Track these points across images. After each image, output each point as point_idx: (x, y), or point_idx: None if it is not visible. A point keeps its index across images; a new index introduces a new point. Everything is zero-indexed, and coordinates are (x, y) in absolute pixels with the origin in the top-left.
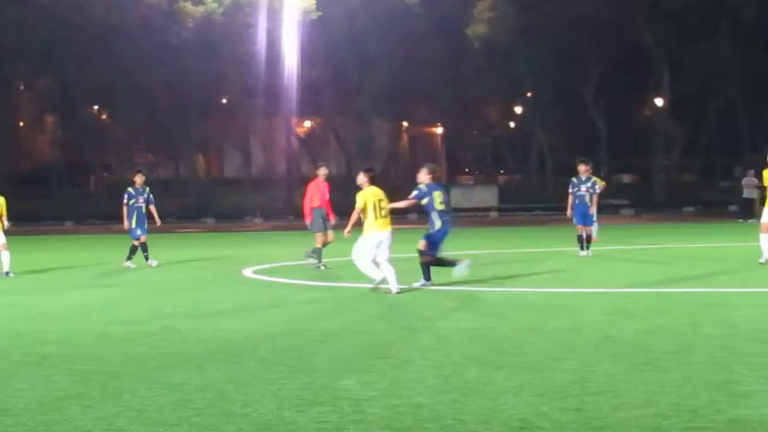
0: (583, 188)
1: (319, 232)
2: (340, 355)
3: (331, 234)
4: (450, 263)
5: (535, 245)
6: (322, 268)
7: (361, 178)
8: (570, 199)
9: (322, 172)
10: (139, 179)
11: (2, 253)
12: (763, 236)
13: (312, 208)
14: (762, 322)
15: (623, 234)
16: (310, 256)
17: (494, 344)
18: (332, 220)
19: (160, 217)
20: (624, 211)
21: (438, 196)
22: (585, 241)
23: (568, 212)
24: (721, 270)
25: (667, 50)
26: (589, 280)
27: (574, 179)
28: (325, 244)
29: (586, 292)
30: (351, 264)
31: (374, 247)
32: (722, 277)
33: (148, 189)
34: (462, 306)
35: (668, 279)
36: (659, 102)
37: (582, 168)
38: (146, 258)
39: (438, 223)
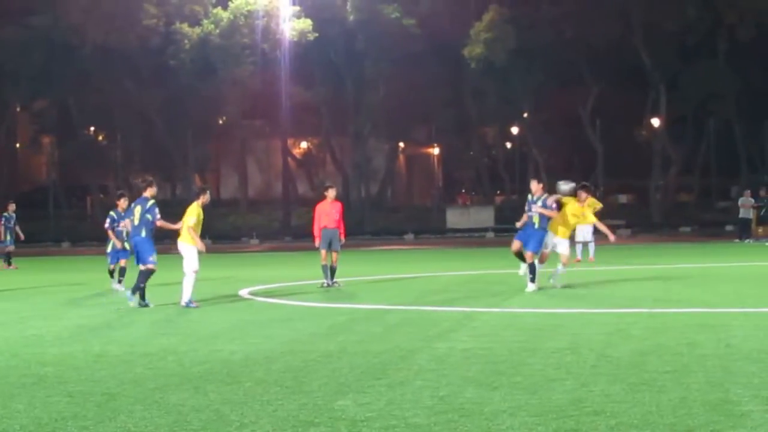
0: (534, 208)
1: (322, 250)
2: (336, 376)
3: (334, 254)
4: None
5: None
6: (327, 285)
7: None
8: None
9: (330, 193)
10: (123, 203)
11: None
12: None
13: (320, 229)
14: (758, 342)
15: (620, 254)
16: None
17: (491, 364)
18: (342, 239)
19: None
20: (620, 232)
21: None
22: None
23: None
24: (718, 290)
25: (664, 70)
26: (586, 300)
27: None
28: (332, 266)
29: (583, 312)
30: (354, 284)
31: None
32: (719, 297)
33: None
34: (458, 326)
35: (665, 299)
36: (656, 122)
37: (534, 186)
38: (119, 282)
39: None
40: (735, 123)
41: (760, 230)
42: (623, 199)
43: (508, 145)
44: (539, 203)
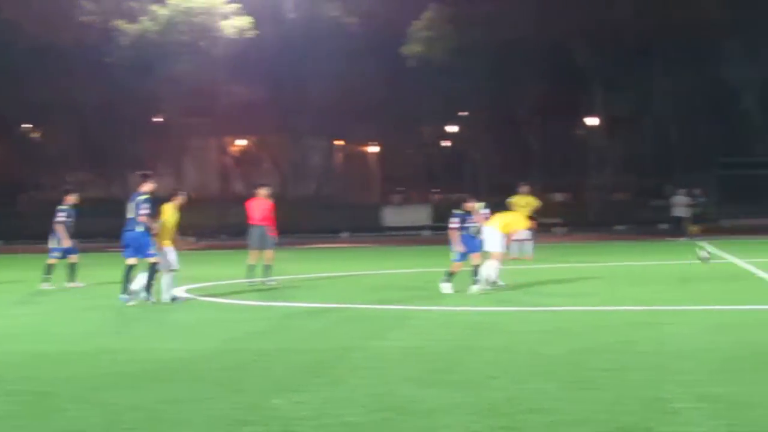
0: (473, 220)
1: (252, 249)
2: (272, 375)
3: (268, 253)
4: None
5: (467, 263)
6: (252, 283)
7: None
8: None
9: (262, 192)
10: (71, 198)
11: None
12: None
13: (250, 226)
14: (692, 339)
15: (556, 253)
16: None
17: (427, 363)
18: (275, 237)
19: (88, 237)
20: (556, 230)
21: None
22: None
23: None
24: (653, 288)
25: (602, 71)
26: (522, 298)
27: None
28: (267, 265)
29: (520, 310)
30: (290, 283)
31: None
32: (654, 295)
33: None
34: (395, 325)
35: (601, 297)
36: (593, 121)
37: (471, 204)
38: (72, 280)
39: None
40: (670, 123)
41: (695, 229)
42: (559, 197)
43: (447, 143)
44: (480, 214)
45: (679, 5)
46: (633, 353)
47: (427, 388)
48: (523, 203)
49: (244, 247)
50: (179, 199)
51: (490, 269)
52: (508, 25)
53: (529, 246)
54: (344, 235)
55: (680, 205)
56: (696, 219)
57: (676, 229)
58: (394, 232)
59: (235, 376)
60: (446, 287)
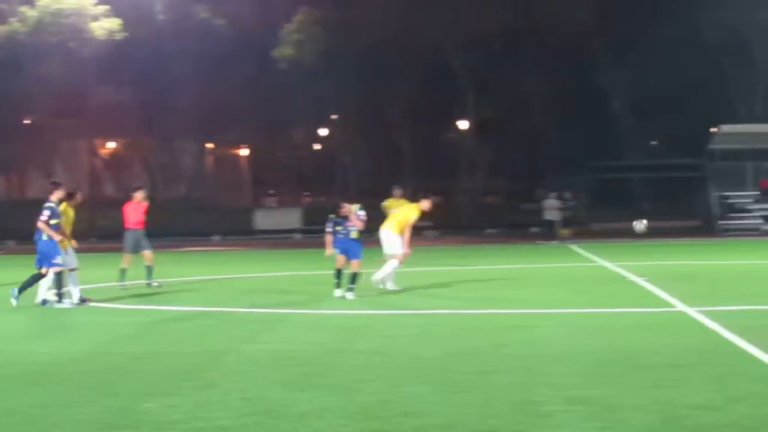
0: (350, 222)
1: (126, 253)
2: (143, 379)
3: (147, 254)
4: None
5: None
6: (123, 287)
7: None
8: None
9: (138, 195)
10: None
11: None
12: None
13: (126, 229)
14: (562, 342)
15: (428, 256)
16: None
17: (299, 366)
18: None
19: None
20: (427, 233)
21: None
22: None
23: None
24: (524, 291)
25: (474, 73)
26: (395, 301)
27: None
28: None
29: (393, 314)
30: (164, 286)
31: None
32: (525, 298)
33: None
34: (267, 328)
35: (473, 300)
36: (464, 124)
37: (347, 208)
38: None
39: None
40: (542, 126)
41: (565, 232)
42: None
43: (317, 146)
44: (358, 215)
45: (550, 10)
46: (504, 356)
47: (299, 391)
48: (397, 206)
49: (114, 250)
50: (76, 198)
51: (386, 271)
52: (379, 28)
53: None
54: (215, 238)
55: (551, 208)
56: (566, 222)
57: (548, 232)
58: (265, 236)
59: (107, 379)
60: (347, 294)
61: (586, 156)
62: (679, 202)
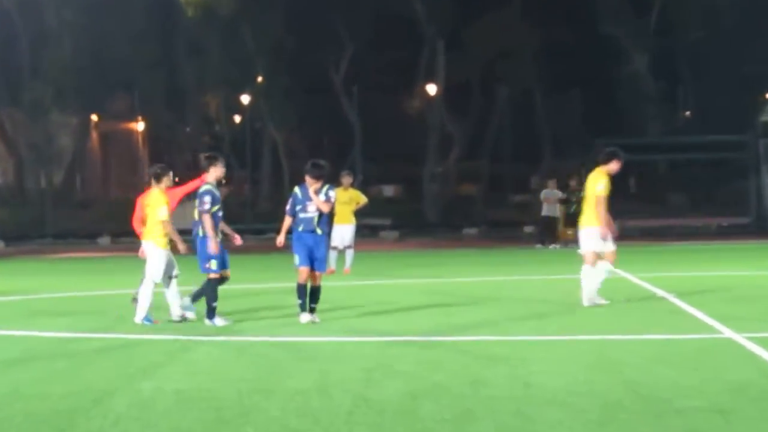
0: (312, 205)
1: None
2: (5, 428)
3: None
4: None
5: (264, 278)
6: None
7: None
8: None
9: None
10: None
11: None
12: (588, 270)
13: None
14: (564, 379)
15: (384, 264)
16: None
17: (212, 411)
18: None
19: None
20: (385, 234)
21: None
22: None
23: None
24: (512, 312)
25: (443, 23)
26: (338, 325)
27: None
28: None
29: (335, 341)
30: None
31: None
32: (514, 321)
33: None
34: (170, 360)
35: (443, 324)
36: (432, 90)
37: (312, 180)
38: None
39: None
40: (535, 93)
41: (569, 232)
42: (389, 191)
43: (237, 118)
44: (321, 196)
45: None
46: (484, 397)
47: None
48: (345, 199)
49: None
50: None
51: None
52: None
53: (349, 255)
54: (103, 240)
55: (550, 201)
56: (570, 219)
57: (546, 232)
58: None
59: None
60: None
61: (594, 132)
62: (720, 192)
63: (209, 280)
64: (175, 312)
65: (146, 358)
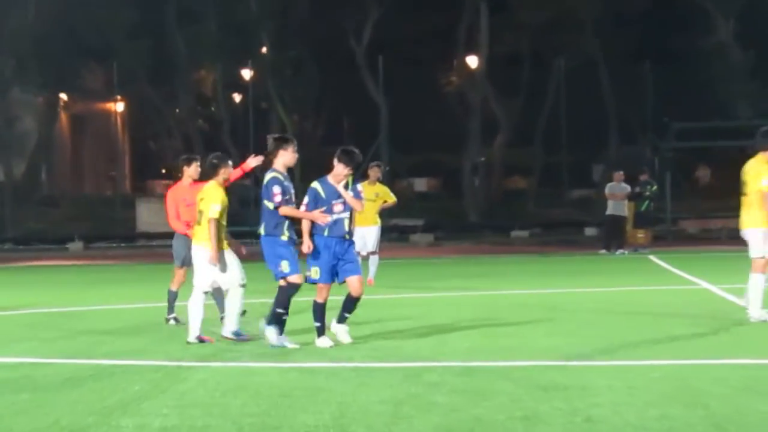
0: (339, 203)
1: None
2: None
3: None
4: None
5: (271, 290)
6: None
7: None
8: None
9: None
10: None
11: None
12: (758, 278)
13: None
14: (632, 412)
15: (415, 273)
16: None
17: None
18: None
19: None
20: (417, 237)
21: None
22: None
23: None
24: (571, 332)
25: None
26: (361, 348)
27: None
28: None
29: (356, 367)
30: None
31: None
32: (574, 342)
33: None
34: (157, 390)
35: (487, 346)
36: (473, 62)
37: (345, 170)
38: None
39: None
40: (598, 65)
41: (640, 235)
42: (421, 185)
43: (237, 98)
44: (350, 192)
45: None
46: None
47: None
48: (371, 196)
49: None
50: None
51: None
52: None
53: (374, 262)
54: (74, 245)
55: (618, 197)
56: (642, 220)
57: (612, 235)
58: (152, 241)
59: None
60: (345, 337)
61: (671, 114)
62: None
63: (281, 288)
64: (230, 327)
65: (127, 388)
